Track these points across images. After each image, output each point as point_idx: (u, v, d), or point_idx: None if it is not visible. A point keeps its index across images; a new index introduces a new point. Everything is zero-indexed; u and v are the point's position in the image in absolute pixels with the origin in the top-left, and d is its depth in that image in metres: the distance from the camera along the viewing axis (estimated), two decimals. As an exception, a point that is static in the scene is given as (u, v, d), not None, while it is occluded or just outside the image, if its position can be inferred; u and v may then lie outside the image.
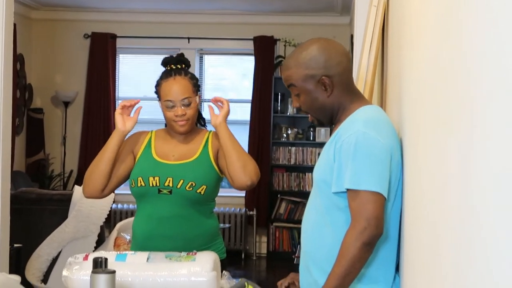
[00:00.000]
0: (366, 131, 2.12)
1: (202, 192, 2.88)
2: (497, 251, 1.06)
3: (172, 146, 2.98)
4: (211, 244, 2.92)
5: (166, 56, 3.02)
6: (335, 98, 2.26)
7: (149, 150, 2.97)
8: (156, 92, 2.96)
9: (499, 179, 1.06)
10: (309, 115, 2.37)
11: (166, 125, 3.05)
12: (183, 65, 2.96)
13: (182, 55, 3.03)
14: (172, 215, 2.87)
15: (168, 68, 2.96)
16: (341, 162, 2.13)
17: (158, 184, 2.88)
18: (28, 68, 8.69)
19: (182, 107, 2.88)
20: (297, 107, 2.34)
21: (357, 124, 2.15)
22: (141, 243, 2.90)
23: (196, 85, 2.95)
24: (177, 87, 2.88)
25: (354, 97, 2.31)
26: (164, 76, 2.94)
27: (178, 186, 2.86)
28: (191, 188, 2.86)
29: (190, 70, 3.04)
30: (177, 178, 2.87)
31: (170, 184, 2.87)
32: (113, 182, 2.95)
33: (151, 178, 2.88)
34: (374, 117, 2.21)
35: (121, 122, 2.91)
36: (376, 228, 2.06)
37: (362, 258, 2.08)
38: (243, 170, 2.82)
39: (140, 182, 2.89)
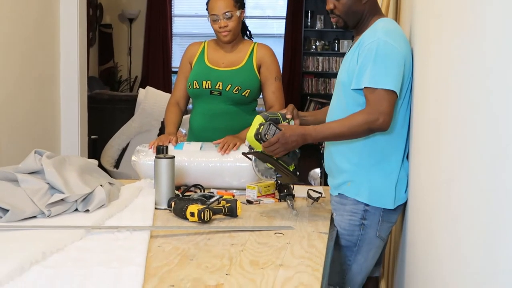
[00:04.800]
0: (387, 40, 2.10)
1: (246, 95, 2.89)
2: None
3: (222, 54, 2.96)
4: (253, 135, 2.93)
5: None
6: (366, 6, 2.22)
7: (203, 58, 2.97)
8: (207, 9, 2.93)
9: (494, 85, 1.04)
10: (334, 18, 2.27)
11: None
12: None
13: None
14: (222, 111, 2.90)
15: (216, -11, 2.90)
16: (362, 63, 2.11)
17: (210, 87, 2.90)
18: (98, -10, 8.64)
19: (225, 20, 2.85)
20: (330, 8, 2.25)
21: (378, 33, 2.12)
22: (197, 135, 2.95)
23: (238, 1, 2.89)
24: (220, 3, 2.85)
25: (377, 10, 2.27)
26: None
27: (227, 89, 2.88)
28: (237, 91, 2.87)
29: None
30: (226, 83, 2.88)
31: (220, 87, 2.88)
32: (187, 97, 3.03)
33: (204, 82, 2.90)
34: (392, 28, 2.18)
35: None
36: (384, 123, 2.07)
37: (358, 136, 2.11)
38: None
39: (195, 85, 2.91)
